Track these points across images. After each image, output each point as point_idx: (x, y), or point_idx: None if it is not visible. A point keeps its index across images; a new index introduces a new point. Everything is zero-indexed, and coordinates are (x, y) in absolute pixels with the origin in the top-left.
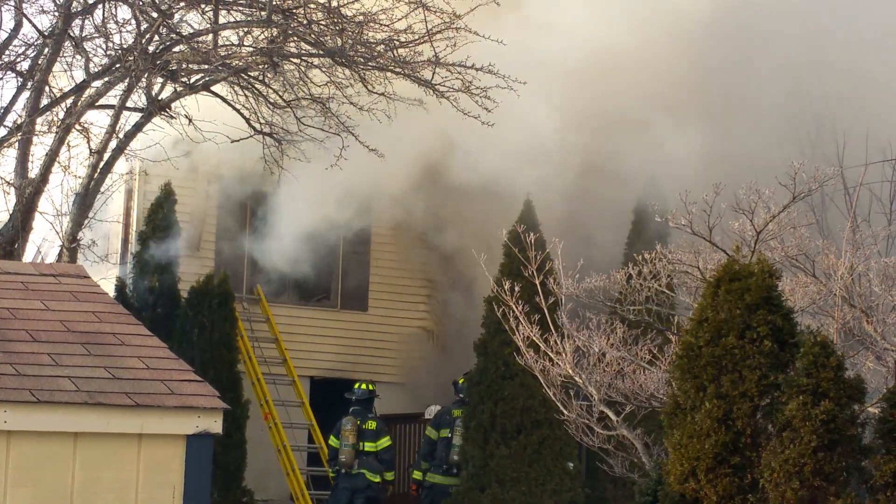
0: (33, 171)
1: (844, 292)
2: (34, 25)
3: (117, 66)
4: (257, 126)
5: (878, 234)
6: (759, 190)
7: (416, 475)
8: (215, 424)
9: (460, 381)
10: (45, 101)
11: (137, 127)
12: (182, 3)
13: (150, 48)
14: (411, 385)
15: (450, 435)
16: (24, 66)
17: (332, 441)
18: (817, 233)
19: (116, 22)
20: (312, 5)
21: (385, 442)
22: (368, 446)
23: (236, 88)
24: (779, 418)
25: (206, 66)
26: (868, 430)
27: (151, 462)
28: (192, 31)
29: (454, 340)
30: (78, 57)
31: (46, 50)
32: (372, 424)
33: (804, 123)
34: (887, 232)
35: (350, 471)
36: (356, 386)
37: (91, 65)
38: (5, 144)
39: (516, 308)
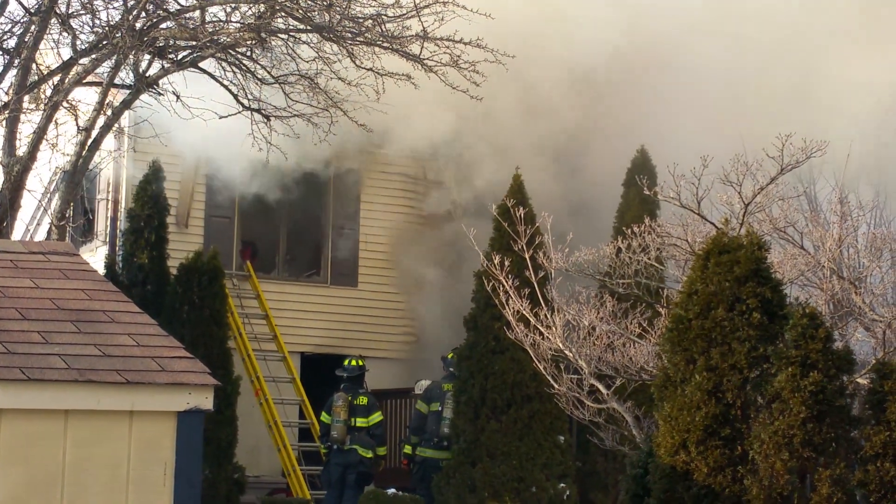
0: (21, 148)
1: (833, 264)
2: (20, 3)
3: (104, 43)
4: (245, 102)
5: (866, 206)
6: (746, 162)
7: (407, 450)
8: (206, 401)
9: (449, 356)
10: (32, 79)
11: (125, 104)
12: None
13: (138, 25)
14: (401, 360)
15: (440, 408)
16: (11, 43)
17: (324, 417)
18: (806, 204)
19: None
20: None
21: (376, 417)
22: (360, 422)
23: (224, 65)
24: (768, 390)
25: (194, 43)
26: (857, 401)
27: (142, 439)
28: (179, 7)
29: (444, 315)
30: (65, 34)
31: (33, 27)
32: (363, 400)
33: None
34: (875, 203)
35: (342, 446)
36: (346, 362)
37: (78, 42)
38: None
39: (506, 282)
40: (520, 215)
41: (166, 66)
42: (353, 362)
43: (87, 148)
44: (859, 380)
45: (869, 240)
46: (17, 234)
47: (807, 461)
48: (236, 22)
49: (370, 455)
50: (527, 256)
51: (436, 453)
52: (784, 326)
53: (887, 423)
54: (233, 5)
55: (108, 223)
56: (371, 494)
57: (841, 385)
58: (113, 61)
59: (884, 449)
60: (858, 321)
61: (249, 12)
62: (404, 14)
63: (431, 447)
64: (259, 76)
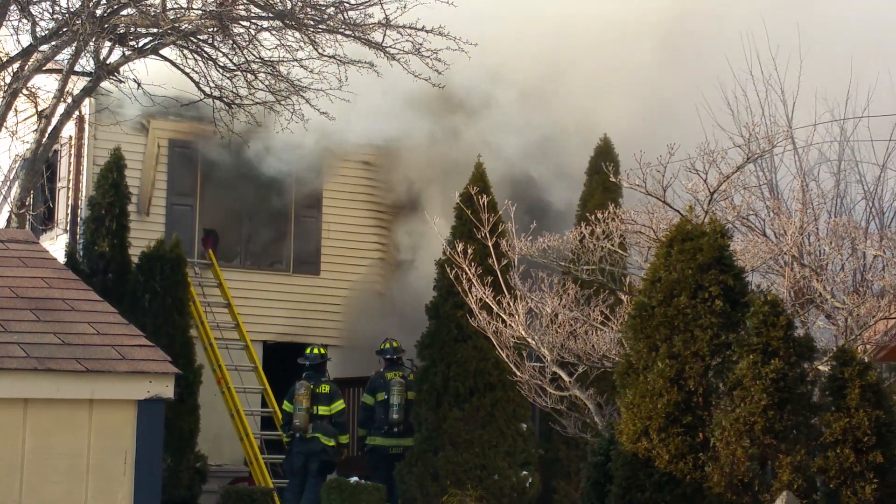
0: None
1: (795, 251)
2: None
3: (64, 30)
4: (207, 90)
5: (827, 194)
6: (712, 150)
7: (362, 433)
8: (167, 389)
9: (384, 346)
10: None
11: (86, 91)
12: None
13: (98, 11)
14: (363, 348)
15: (387, 397)
16: None
17: (286, 406)
18: (767, 192)
19: None
20: None
21: (339, 405)
22: (322, 410)
23: (185, 52)
24: (730, 377)
25: (155, 30)
26: (818, 388)
27: (103, 428)
28: None
29: (406, 303)
30: (24, 21)
31: None
32: (325, 388)
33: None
34: (836, 191)
35: (304, 435)
36: (308, 350)
37: (38, 29)
38: None
39: (469, 270)
40: (483, 203)
41: (127, 53)
42: (316, 350)
43: (46, 135)
44: (820, 367)
45: (830, 228)
46: None
47: (767, 448)
48: (197, 9)
49: (332, 443)
50: (489, 244)
51: (385, 440)
52: (746, 314)
53: (847, 409)
54: None
55: (69, 211)
56: (333, 483)
57: (802, 372)
58: (73, 48)
59: (843, 435)
60: (820, 309)
61: None
62: (366, 1)
63: (381, 435)
64: (220, 64)
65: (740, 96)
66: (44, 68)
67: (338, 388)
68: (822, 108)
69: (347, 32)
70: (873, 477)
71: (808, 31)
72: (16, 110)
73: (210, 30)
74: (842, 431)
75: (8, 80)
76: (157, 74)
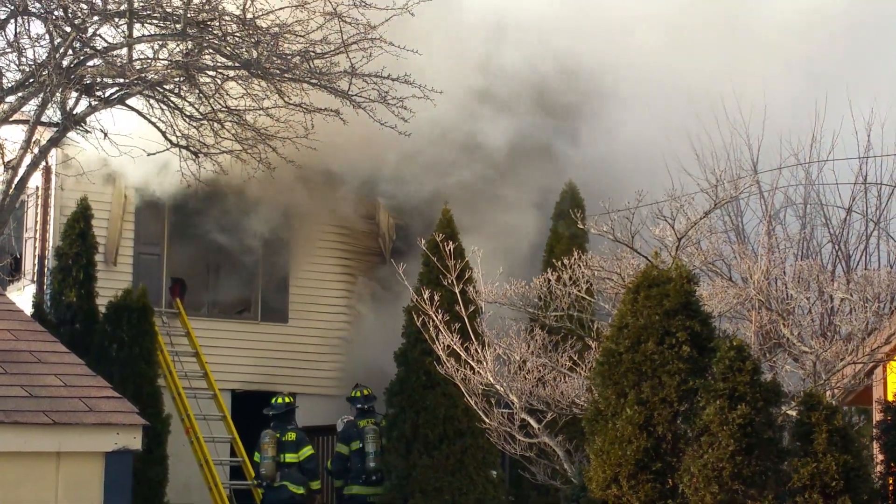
0: None
1: (761, 296)
2: None
3: (31, 80)
4: (173, 139)
5: (794, 237)
6: (679, 196)
7: (338, 484)
8: (134, 441)
9: (356, 394)
10: None
11: (52, 142)
12: (96, 17)
13: (65, 62)
14: (333, 396)
15: (362, 445)
16: None
17: (256, 457)
18: (734, 236)
19: (30, 37)
20: (227, 18)
21: (307, 451)
22: (290, 457)
23: (152, 102)
24: (697, 423)
25: (122, 80)
26: (787, 433)
27: (70, 480)
28: (106, 44)
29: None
30: None
31: None
32: (292, 436)
33: (718, 128)
34: (802, 235)
35: (272, 483)
36: (273, 400)
37: (4, 80)
38: None
39: (436, 317)
40: (449, 250)
41: (94, 103)
42: (281, 399)
43: (13, 186)
44: (789, 411)
45: (797, 271)
46: None
47: (736, 494)
48: (164, 59)
49: (301, 491)
50: (457, 291)
51: (364, 489)
52: (713, 359)
53: (814, 454)
54: (160, 43)
55: (36, 262)
56: None
57: (769, 417)
58: (40, 99)
59: (811, 480)
60: (788, 353)
61: (177, 50)
62: (332, 51)
63: (360, 483)
64: (187, 113)
65: (706, 141)
66: (10, 119)
67: (305, 435)
68: (787, 151)
69: (313, 81)
70: None
71: (772, 75)
72: None
73: (176, 79)
74: (810, 476)
75: None
76: (124, 124)
